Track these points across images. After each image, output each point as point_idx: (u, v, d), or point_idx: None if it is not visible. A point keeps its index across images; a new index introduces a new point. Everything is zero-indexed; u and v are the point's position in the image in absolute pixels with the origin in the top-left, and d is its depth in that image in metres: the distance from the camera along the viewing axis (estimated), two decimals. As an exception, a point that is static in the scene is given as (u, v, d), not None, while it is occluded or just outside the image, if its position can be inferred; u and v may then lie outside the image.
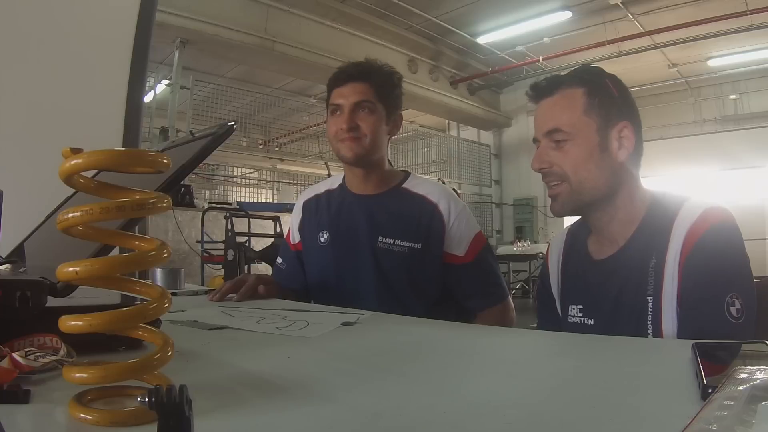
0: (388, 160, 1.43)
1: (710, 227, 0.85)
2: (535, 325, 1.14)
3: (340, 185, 1.42)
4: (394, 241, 1.29)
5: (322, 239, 1.36)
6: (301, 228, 1.43)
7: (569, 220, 1.13)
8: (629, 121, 0.94)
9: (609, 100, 0.93)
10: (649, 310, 0.88)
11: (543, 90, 0.98)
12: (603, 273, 0.97)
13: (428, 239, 1.29)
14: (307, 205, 1.45)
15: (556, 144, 0.94)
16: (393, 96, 1.36)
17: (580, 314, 1.00)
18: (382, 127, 1.32)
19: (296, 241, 1.44)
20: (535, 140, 0.99)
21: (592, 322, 0.97)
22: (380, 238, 1.29)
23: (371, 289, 1.27)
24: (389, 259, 1.28)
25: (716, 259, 0.84)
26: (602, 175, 0.93)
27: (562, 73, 0.99)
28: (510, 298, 1.38)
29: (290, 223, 1.51)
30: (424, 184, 1.38)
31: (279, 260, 1.48)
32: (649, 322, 0.87)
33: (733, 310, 0.80)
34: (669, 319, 0.86)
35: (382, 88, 1.32)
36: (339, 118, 1.30)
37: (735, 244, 0.85)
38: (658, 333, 0.87)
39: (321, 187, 1.46)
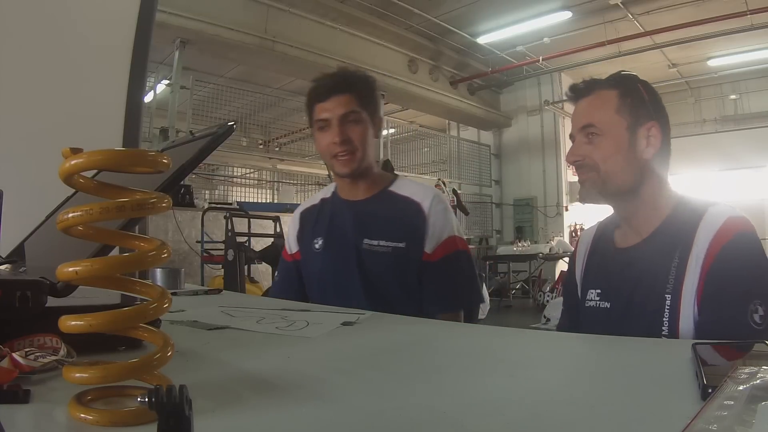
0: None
1: (736, 235, 0.89)
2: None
3: (333, 193, 1.44)
4: (379, 242, 1.29)
5: (316, 245, 1.38)
6: (300, 238, 1.45)
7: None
8: (657, 122, 1.01)
9: (640, 102, 1.01)
10: (666, 307, 0.91)
11: (581, 91, 1.07)
12: (624, 260, 1.03)
13: (411, 238, 1.29)
14: (304, 215, 1.47)
15: (588, 138, 1.03)
16: (373, 100, 1.35)
17: (597, 298, 1.05)
18: (369, 135, 1.33)
19: (293, 251, 1.46)
20: (572, 136, 1.08)
21: (608, 305, 1.02)
22: (365, 240, 1.30)
23: (359, 291, 1.28)
24: (374, 260, 1.29)
25: (742, 266, 0.87)
26: (628, 168, 1.00)
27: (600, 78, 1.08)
28: (461, 312, 1.33)
29: (287, 236, 1.52)
30: (410, 185, 1.38)
31: (276, 274, 1.52)
32: (665, 319, 0.91)
33: (756, 316, 0.83)
34: (686, 319, 0.89)
35: (363, 96, 1.32)
36: (328, 132, 1.30)
37: (759, 252, 0.89)
38: (674, 331, 0.89)
39: (317, 197, 1.48)
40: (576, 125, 1.06)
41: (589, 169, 1.02)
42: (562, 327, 1.21)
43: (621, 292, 1.00)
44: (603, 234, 1.14)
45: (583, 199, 1.07)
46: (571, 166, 1.10)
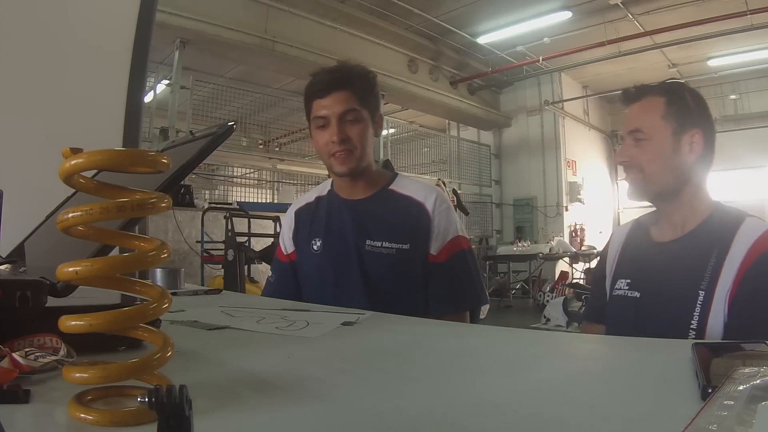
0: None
1: None
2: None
3: (330, 191, 1.39)
4: (382, 244, 1.26)
5: (315, 246, 1.35)
6: (295, 237, 1.41)
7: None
8: (702, 130, 1.07)
9: (685, 110, 1.08)
10: (699, 302, 0.96)
11: (632, 96, 1.14)
12: (660, 254, 1.09)
13: (416, 239, 1.27)
14: (298, 213, 1.42)
15: (636, 141, 1.10)
16: (373, 97, 1.32)
17: (626, 287, 1.11)
18: (369, 134, 1.29)
19: (289, 251, 1.41)
20: (621, 137, 1.17)
21: (638, 295, 1.08)
22: (368, 242, 1.27)
23: (359, 293, 1.25)
24: (377, 262, 1.26)
25: None
26: (671, 171, 1.07)
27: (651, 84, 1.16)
28: (467, 314, 1.32)
29: (281, 235, 1.48)
30: (411, 184, 1.36)
31: (270, 274, 1.47)
32: (696, 313, 0.96)
33: None
34: (716, 316, 0.94)
35: (363, 93, 1.28)
36: (326, 131, 1.26)
37: None
38: (702, 325, 0.95)
39: (311, 195, 1.44)
40: (626, 128, 1.13)
41: (635, 170, 1.10)
42: (587, 316, 1.30)
43: (653, 282, 1.06)
44: (639, 229, 1.20)
45: (631, 198, 1.14)
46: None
